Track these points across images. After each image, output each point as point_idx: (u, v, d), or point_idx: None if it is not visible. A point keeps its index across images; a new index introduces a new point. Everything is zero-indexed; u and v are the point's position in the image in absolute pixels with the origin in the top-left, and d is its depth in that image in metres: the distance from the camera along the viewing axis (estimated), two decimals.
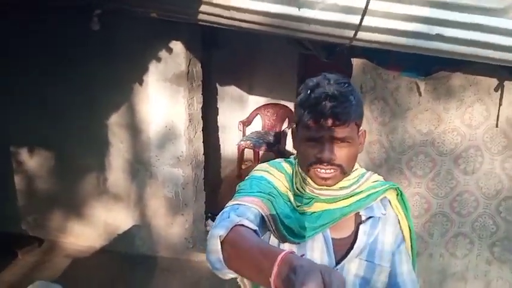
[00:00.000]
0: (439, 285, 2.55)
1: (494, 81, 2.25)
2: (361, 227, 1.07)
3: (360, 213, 1.09)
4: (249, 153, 5.18)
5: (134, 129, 3.22)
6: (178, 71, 3.01)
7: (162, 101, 3.09)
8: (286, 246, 1.03)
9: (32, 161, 3.55)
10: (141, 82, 3.09)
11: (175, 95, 3.07)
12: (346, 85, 0.99)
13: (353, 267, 1.06)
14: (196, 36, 3.13)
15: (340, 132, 0.97)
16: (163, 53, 2.99)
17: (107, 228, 3.52)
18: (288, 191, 1.09)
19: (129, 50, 3.03)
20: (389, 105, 2.38)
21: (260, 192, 1.03)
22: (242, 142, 4.75)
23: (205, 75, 3.37)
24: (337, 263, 1.05)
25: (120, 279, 3.16)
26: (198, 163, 3.34)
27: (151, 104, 3.12)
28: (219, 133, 4.74)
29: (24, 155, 3.56)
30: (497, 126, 2.29)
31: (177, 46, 2.96)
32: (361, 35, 2.01)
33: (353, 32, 2.02)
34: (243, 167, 5.04)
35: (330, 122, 0.95)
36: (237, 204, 0.96)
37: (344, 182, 1.06)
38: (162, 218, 3.35)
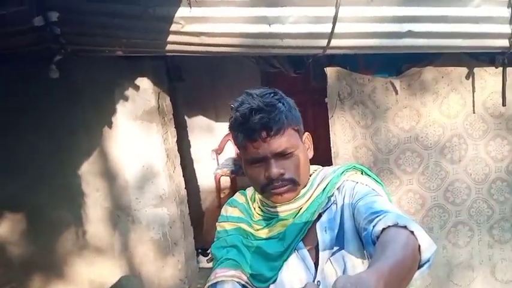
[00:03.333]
0: (447, 278, 2.54)
1: (464, 70, 2.33)
2: (317, 225, 0.98)
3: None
4: (225, 181, 5.08)
5: (109, 174, 3.05)
6: (148, 107, 2.92)
7: (136, 140, 2.96)
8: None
9: (1, 226, 3.28)
10: (110, 125, 2.96)
11: (148, 132, 2.95)
12: (272, 94, 0.97)
13: (330, 270, 0.96)
14: (161, 70, 3.07)
15: (278, 144, 0.93)
16: (130, 91, 2.88)
17: (92, 285, 3.27)
18: (247, 222, 1.06)
19: (93, 93, 2.90)
20: (369, 107, 2.40)
21: (227, 259, 1.00)
22: (219, 170, 4.65)
23: (173, 109, 3.29)
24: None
25: None
26: (182, 198, 3.21)
27: (123, 145, 2.98)
28: (194, 165, 4.63)
29: None
30: (474, 112, 2.36)
31: (143, 82, 2.87)
32: (334, 42, 2.04)
33: (326, 40, 2.04)
34: (222, 195, 4.93)
35: (263, 134, 0.92)
36: (213, 285, 0.98)
37: (302, 190, 1.01)
38: (152, 263, 3.16)
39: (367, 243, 0.79)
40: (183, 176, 3.34)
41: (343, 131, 2.43)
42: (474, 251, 2.49)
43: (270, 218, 1.03)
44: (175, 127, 3.23)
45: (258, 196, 1.07)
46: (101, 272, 3.23)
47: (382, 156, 2.44)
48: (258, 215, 1.05)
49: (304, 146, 1.02)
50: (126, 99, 2.90)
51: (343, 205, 0.99)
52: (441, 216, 2.46)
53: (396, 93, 2.38)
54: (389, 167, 2.44)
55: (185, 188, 3.33)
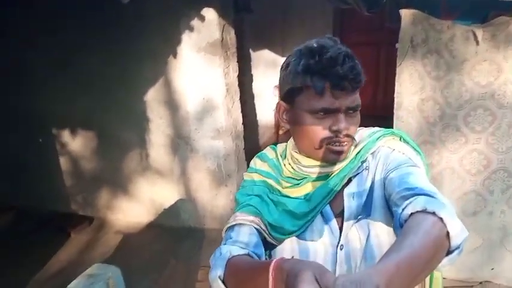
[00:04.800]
0: (499, 243, 2.45)
1: None
2: (345, 190, 0.97)
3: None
4: None
5: (172, 103, 3.17)
6: (212, 40, 2.91)
7: (198, 72, 3.01)
8: (287, 244, 1.01)
9: (74, 141, 3.59)
10: (175, 54, 3.01)
11: (210, 64, 2.98)
12: (346, 48, 0.90)
13: (354, 235, 0.96)
14: (229, 1, 3.00)
15: (354, 98, 0.90)
16: (195, 22, 2.88)
17: (152, 204, 3.56)
18: (275, 179, 1.04)
19: (160, 22, 2.94)
20: (444, 57, 2.21)
21: (248, 205, 1.00)
22: None
23: (238, 42, 3.25)
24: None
25: (170, 252, 3.20)
26: (238, 133, 3.28)
27: (187, 76, 3.05)
28: (255, 100, 4.65)
29: (66, 136, 3.61)
30: None
31: (209, 13, 2.84)
32: None
33: None
34: (280, 132, 4.97)
35: (349, 85, 0.86)
36: (231, 227, 0.99)
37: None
38: (206, 191, 3.34)
39: (396, 226, 0.77)
40: (243, 110, 3.38)
41: (410, 81, 2.29)
42: None
43: (300, 178, 1.00)
44: (239, 60, 3.22)
45: (291, 153, 1.02)
46: (161, 193, 3.48)
47: (451, 112, 2.28)
48: (289, 172, 1.02)
49: None
50: (191, 29, 2.91)
51: (375, 172, 0.97)
52: (504, 180, 2.31)
53: (477, 43, 2.16)
54: (457, 124, 2.29)
55: (243, 122, 3.39)
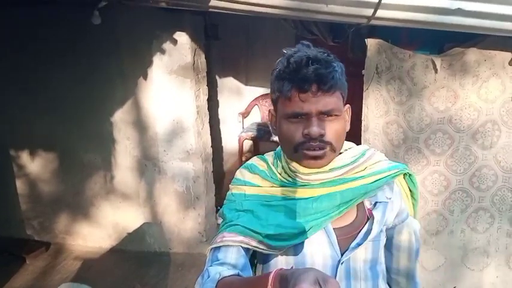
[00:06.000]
0: (460, 261, 2.57)
1: (508, 55, 2.26)
2: (375, 214, 0.99)
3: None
4: (248, 145, 5.15)
5: (140, 124, 3.14)
6: (184, 63, 2.95)
7: (169, 94, 3.02)
8: (281, 258, 0.97)
9: (34, 163, 3.45)
10: (145, 76, 3.02)
11: (181, 87, 3.01)
12: (327, 54, 0.93)
13: (360, 254, 0.98)
14: (200, 26, 3.08)
15: (326, 102, 0.88)
16: (167, 45, 2.92)
17: (116, 228, 3.45)
18: (270, 187, 1.00)
19: (132, 43, 2.95)
20: (406, 84, 2.37)
21: (236, 225, 0.96)
22: (243, 133, 4.71)
23: (207, 67, 3.31)
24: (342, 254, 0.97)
25: (134, 277, 3.09)
26: (207, 156, 3.29)
27: (157, 98, 3.05)
28: (220, 126, 4.69)
29: (24, 157, 3.46)
30: None
31: (181, 37, 2.89)
32: (380, 13, 2.00)
33: (372, 10, 2.00)
34: (243, 158, 5.01)
35: (314, 87, 0.86)
36: (217, 248, 0.95)
37: (335, 162, 0.97)
38: (173, 214, 3.29)
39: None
40: (210, 134, 3.40)
41: (376, 105, 2.42)
42: (492, 238, 2.50)
43: (300, 185, 0.97)
44: (207, 85, 3.26)
45: (287, 161, 0.98)
46: (124, 216, 3.38)
47: (413, 135, 2.43)
48: (286, 181, 0.99)
49: (344, 116, 0.97)
50: (163, 52, 2.94)
51: (391, 210, 1.05)
52: (464, 200, 2.46)
53: (436, 72, 2.34)
54: (419, 146, 2.43)
55: (211, 146, 3.40)
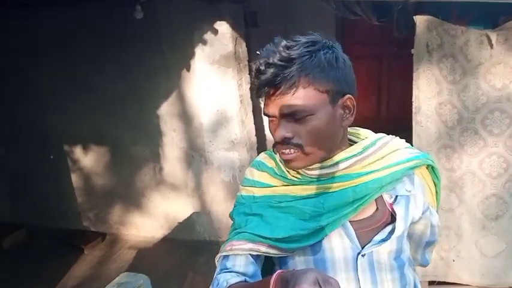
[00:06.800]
0: None
1: None
2: (397, 211, 0.94)
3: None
4: None
5: (185, 116, 3.19)
6: (226, 52, 2.94)
7: (212, 84, 3.04)
8: (302, 259, 0.94)
9: (87, 158, 3.59)
10: (188, 68, 3.04)
11: (224, 77, 3.01)
12: (308, 45, 0.85)
13: (384, 247, 0.94)
14: (239, 15, 3.05)
15: (286, 104, 0.83)
16: (208, 35, 2.92)
17: (166, 218, 3.54)
18: (279, 186, 0.96)
19: (173, 36, 2.98)
20: (459, 61, 2.24)
21: (245, 232, 0.93)
22: None
23: (248, 55, 3.29)
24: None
25: (187, 265, 3.17)
26: (252, 144, 3.29)
27: (200, 89, 3.07)
28: (262, 114, 4.68)
29: (78, 152, 3.61)
30: None
31: (222, 27, 2.88)
32: None
33: None
34: None
35: (272, 91, 0.84)
36: (226, 256, 0.95)
37: (341, 155, 0.91)
38: (221, 203, 3.33)
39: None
40: (254, 122, 3.39)
41: (428, 85, 2.31)
42: None
43: (309, 182, 0.93)
44: (249, 73, 3.25)
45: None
46: (175, 207, 3.47)
47: (468, 115, 2.30)
48: (295, 178, 0.95)
49: (335, 111, 0.87)
50: (204, 43, 2.95)
51: (415, 204, 1.02)
52: None
53: (491, 47, 2.19)
54: (475, 127, 2.30)
55: (255, 135, 3.40)
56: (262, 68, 0.84)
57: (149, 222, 3.60)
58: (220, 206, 3.33)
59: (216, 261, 0.98)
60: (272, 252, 0.92)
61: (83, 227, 3.83)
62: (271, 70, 0.83)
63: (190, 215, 3.44)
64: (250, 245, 0.92)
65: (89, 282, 3.08)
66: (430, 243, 1.16)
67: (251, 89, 3.26)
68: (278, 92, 0.84)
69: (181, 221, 3.48)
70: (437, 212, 1.14)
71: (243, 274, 0.92)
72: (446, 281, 2.61)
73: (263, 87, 0.85)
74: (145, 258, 3.36)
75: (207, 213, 3.39)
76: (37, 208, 3.87)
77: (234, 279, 0.90)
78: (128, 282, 1.66)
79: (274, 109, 0.86)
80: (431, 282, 2.65)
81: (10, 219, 3.95)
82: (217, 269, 0.96)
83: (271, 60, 0.83)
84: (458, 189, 2.41)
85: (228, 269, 0.93)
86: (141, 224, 3.63)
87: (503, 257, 2.47)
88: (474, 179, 2.37)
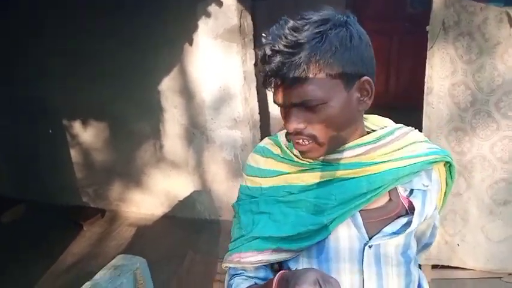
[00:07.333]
0: None
1: None
2: (415, 204, 0.88)
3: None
4: None
5: (187, 92, 3.09)
6: (230, 26, 2.83)
7: (215, 59, 2.93)
8: (304, 252, 0.88)
9: (86, 132, 3.52)
10: (191, 41, 2.93)
11: (228, 52, 2.90)
12: (317, 24, 0.76)
13: (393, 240, 0.88)
14: None
15: (297, 93, 0.77)
16: (212, 8, 2.80)
17: (167, 196, 3.49)
18: (287, 173, 0.90)
19: (176, 7, 2.86)
20: (476, 40, 2.13)
21: (253, 238, 0.88)
22: None
23: (254, 29, 3.17)
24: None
25: (187, 244, 3.13)
26: (255, 123, 3.21)
27: (203, 64, 2.97)
28: (266, 91, 4.57)
29: (77, 127, 3.54)
30: None
31: None
32: None
33: None
34: None
35: (279, 81, 0.77)
36: (234, 268, 0.94)
37: (356, 141, 0.85)
38: (222, 182, 3.27)
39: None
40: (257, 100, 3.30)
41: (442, 65, 2.21)
42: None
43: (320, 167, 0.87)
44: (254, 48, 3.13)
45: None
46: (175, 184, 3.41)
47: (482, 97, 2.20)
48: (304, 161, 0.88)
49: (350, 95, 0.80)
50: (208, 15, 2.83)
51: (431, 199, 0.94)
52: None
53: (511, 26, 2.08)
54: (488, 109, 2.21)
55: (258, 113, 3.31)
56: (268, 55, 0.77)
57: (149, 200, 3.55)
58: (222, 185, 3.28)
59: (223, 267, 0.96)
60: (282, 257, 0.87)
61: (82, 203, 3.78)
62: (277, 58, 0.76)
63: (191, 193, 3.39)
64: (259, 257, 0.88)
65: (87, 260, 3.05)
66: (426, 246, 1.08)
67: (255, 65, 3.15)
68: (285, 83, 0.77)
69: (181, 199, 3.43)
70: (439, 213, 1.06)
71: (255, 277, 0.93)
72: (450, 265, 2.58)
73: (269, 77, 0.78)
74: (145, 236, 3.33)
75: (207, 192, 3.34)
76: (36, 183, 3.82)
77: (244, 284, 0.91)
78: (125, 264, 1.60)
79: (283, 99, 0.80)
80: (434, 266, 2.62)
81: (9, 194, 3.91)
82: (229, 275, 0.96)
83: (276, 47, 0.76)
84: (467, 173, 2.34)
85: (239, 274, 0.94)
86: (141, 201, 3.59)
87: (509, 242, 2.42)
88: (484, 163, 2.30)
